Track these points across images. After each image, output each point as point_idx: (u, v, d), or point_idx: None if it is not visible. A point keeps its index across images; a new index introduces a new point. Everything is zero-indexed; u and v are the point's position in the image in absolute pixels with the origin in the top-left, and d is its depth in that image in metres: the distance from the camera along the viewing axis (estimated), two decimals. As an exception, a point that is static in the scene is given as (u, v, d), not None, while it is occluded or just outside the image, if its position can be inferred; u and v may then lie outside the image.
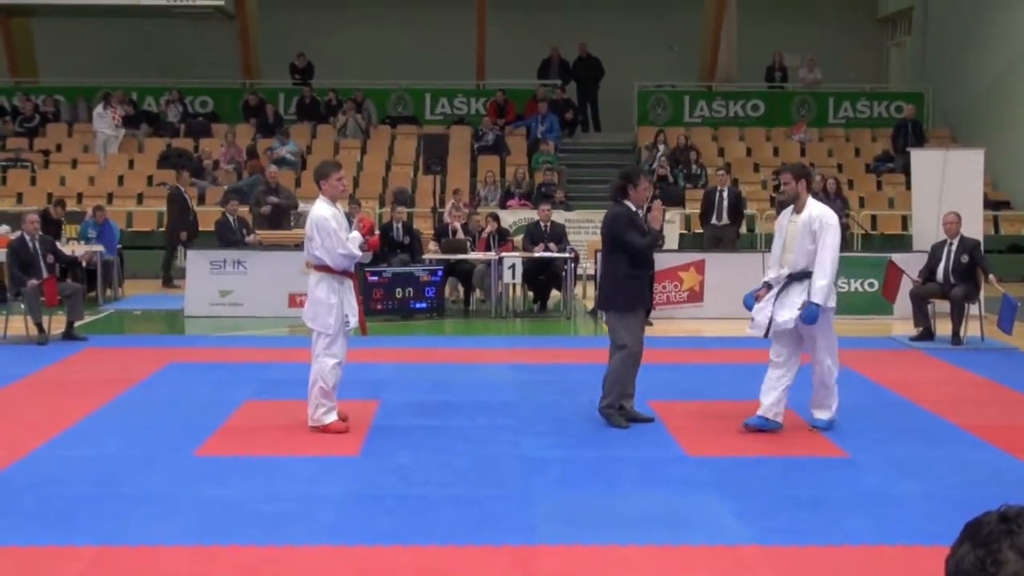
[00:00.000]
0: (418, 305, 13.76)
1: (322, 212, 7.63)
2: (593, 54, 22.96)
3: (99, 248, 15.00)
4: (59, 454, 7.17)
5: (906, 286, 12.33)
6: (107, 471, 6.77)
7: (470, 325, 13.76)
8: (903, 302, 12.55)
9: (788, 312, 7.60)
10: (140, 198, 20.04)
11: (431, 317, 13.76)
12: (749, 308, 7.97)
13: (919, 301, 12.04)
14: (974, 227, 12.84)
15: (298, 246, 12.82)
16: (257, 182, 18.05)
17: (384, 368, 10.20)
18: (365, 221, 8.21)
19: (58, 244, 13.11)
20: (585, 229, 17.24)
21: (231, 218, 15.36)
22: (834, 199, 16.88)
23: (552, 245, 14.45)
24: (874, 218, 19.53)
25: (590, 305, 14.47)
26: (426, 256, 14.52)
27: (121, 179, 20.67)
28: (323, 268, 7.69)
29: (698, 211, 16.74)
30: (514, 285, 14.34)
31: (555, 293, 14.73)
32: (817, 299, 7.49)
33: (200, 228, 16.88)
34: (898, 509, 6.09)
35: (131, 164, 21.19)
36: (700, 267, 14.04)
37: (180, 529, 5.66)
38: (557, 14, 24.29)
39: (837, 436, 7.69)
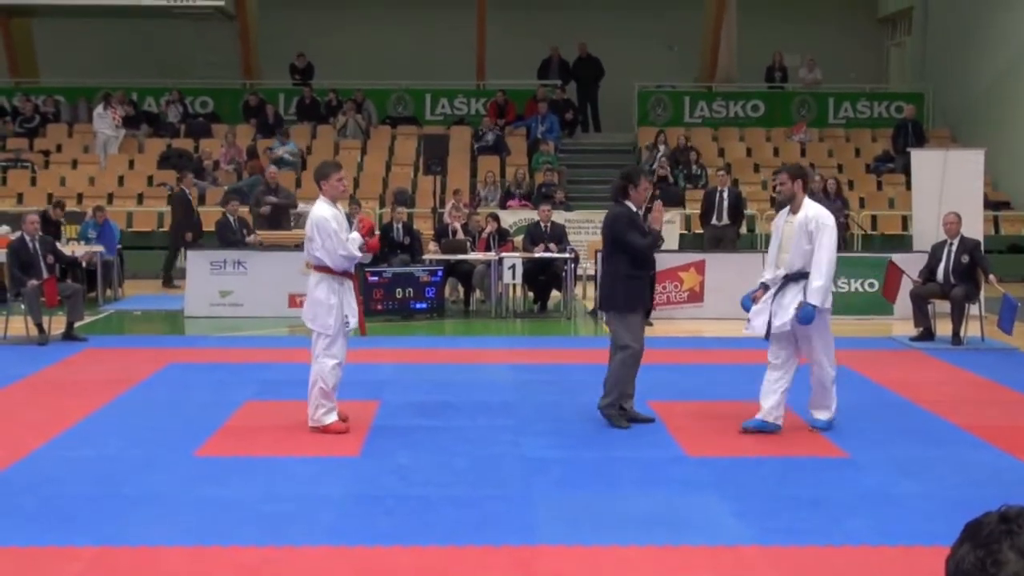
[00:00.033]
0: (418, 305, 13.76)
1: (322, 213, 7.62)
2: (593, 54, 22.96)
3: (99, 248, 15.00)
4: (59, 454, 7.17)
5: (906, 286, 12.33)
6: (107, 471, 6.77)
7: (470, 325, 13.76)
8: (903, 302, 12.55)
9: (786, 314, 7.60)
10: (140, 198, 20.04)
11: (431, 317, 13.76)
12: (747, 309, 7.98)
13: (919, 301, 12.04)
14: (974, 227, 12.84)
15: (298, 246, 12.82)
16: (257, 182, 18.06)
17: (384, 368, 10.20)
18: (365, 222, 8.21)
19: (58, 245, 13.11)
20: (585, 229, 17.24)
21: (231, 218, 15.36)
22: (834, 199, 16.91)
23: (552, 245, 14.46)
24: (874, 218, 19.53)
25: (590, 305, 14.47)
26: (426, 256, 14.52)
27: (121, 179, 20.67)
28: (323, 269, 7.69)
29: (698, 211, 16.74)
30: (514, 285, 14.35)
31: (555, 293, 14.73)
32: (814, 300, 7.49)
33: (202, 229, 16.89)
34: (898, 509, 6.09)
35: (131, 164, 21.20)
36: (700, 267, 14.04)
37: (180, 529, 5.66)
38: (557, 14, 24.29)
39: (837, 436, 7.69)
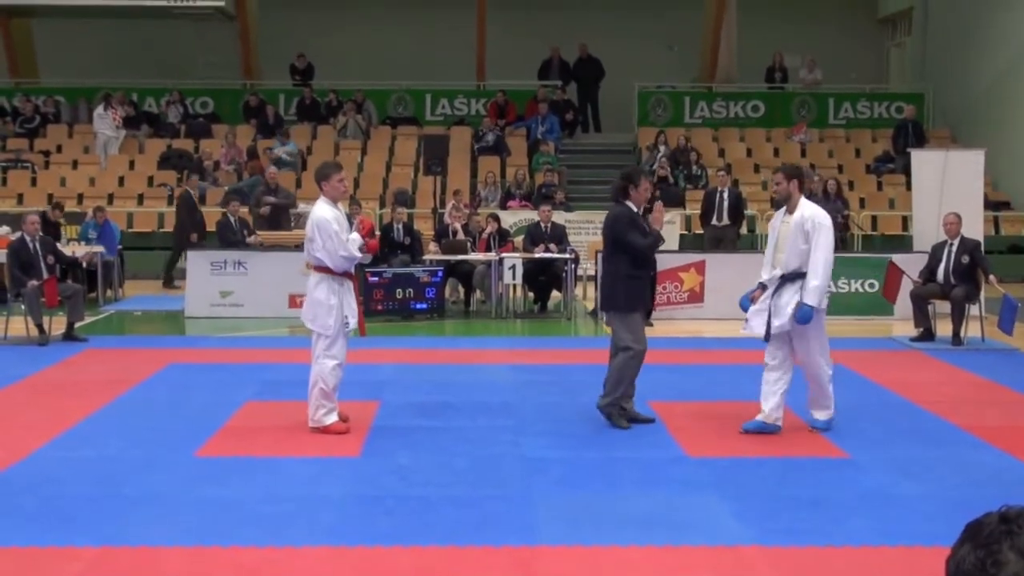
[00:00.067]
0: (418, 306, 13.76)
1: (323, 213, 7.62)
2: (593, 55, 22.96)
3: (99, 249, 15.00)
4: (59, 455, 7.17)
5: (906, 287, 12.34)
6: (107, 472, 6.77)
7: (470, 326, 13.76)
8: (903, 303, 12.55)
9: (784, 315, 7.60)
10: (140, 199, 20.05)
11: (431, 318, 13.77)
12: (745, 310, 7.99)
13: (919, 302, 12.04)
14: (974, 228, 12.84)
15: (298, 247, 12.82)
16: (257, 183, 18.06)
17: (384, 369, 10.21)
18: (365, 223, 8.22)
19: (58, 245, 13.11)
20: (585, 230, 17.25)
21: (232, 219, 15.36)
22: (834, 200, 16.92)
23: (552, 246, 14.46)
24: (874, 219, 19.53)
25: (590, 306, 14.48)
26: (426, 257, 14.52)
27: (121, 180, 20.67)
28: (323, 269, 7.69)
29: (698, 212, 16.74)
30: (514, 286, 14.35)
31: (555, 294, 14.73)
32: (811, 300, 7.49)
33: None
34: (898, 510, 6.09)
35: (131, 165, 21.20)
36: (700, 268, 14.05)
37: (180, 530, 5.66)
38: (557, 14, 24.30)
39: (837, 436, 7.69)
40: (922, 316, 12.02)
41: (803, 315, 7.51)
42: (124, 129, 21.58)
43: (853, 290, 14.07)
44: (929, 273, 12.13)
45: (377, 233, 14.94)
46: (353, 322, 7.73)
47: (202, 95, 23.53)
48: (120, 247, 15.98)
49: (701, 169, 20.06)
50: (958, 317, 11.75)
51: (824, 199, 16.58)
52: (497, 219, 15.37)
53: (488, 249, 14.64)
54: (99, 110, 21.36)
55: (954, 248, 11.97)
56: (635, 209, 7.93)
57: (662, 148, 20.30)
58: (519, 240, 15.44)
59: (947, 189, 13.54)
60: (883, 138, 22.07)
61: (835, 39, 24.65)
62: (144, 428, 7.92)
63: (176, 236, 16.81)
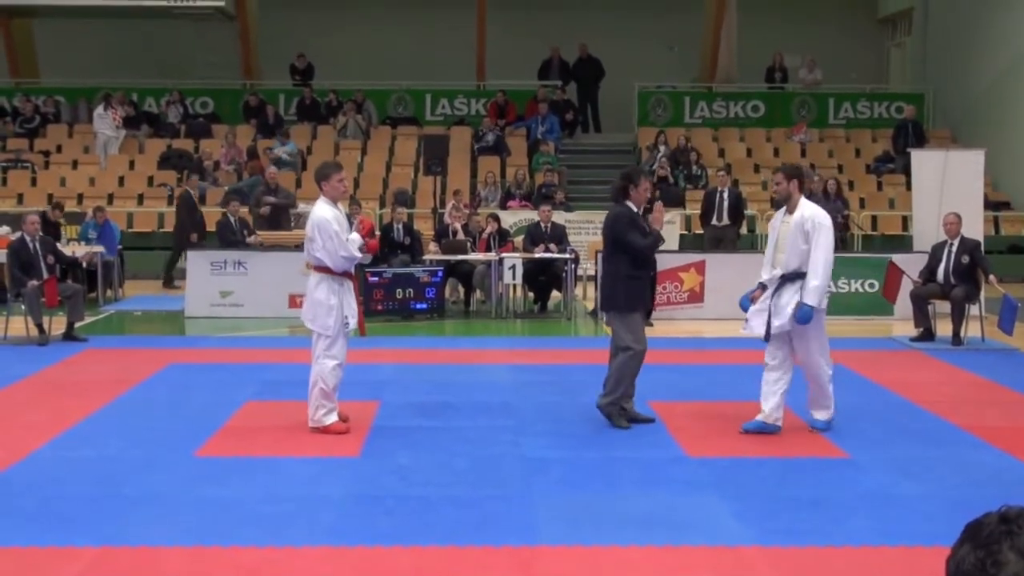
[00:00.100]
0: (418, 306, 13.77)
1: (323, 214, 7.62)
2: (593, 55, 22.96)
3: (99, 249, 15.00)
4: (59, 455, 7.18)
5: (906, 287, 12.34)
6: (107, 472, 6.77)
7: (470, 326, 13.76)
8: (903, 303, 12.55)
9: (784, 315, 7.60)
10: (140, 199, 20.05)
11: (431, 318, 13.77)
12: (745, 309, 7.99)
13: (919, 302, 12.04)
14: (974, 228, 12.84)
15: (298, 247, 12.82)
16: (257, 183, 18.06)
17: (384, 369, 10.21)
18: (365, 223, 8.22)
19: (58, 245, 13.11)
20: (585, 230, 17.25)
21: (232, 219, 15.36)
22: (834, 200, 16.92)
23: (552, 246, 14.46)
24: (874, 219, 19.53)
25: (590, 306, 14.48)
26: (426, 257, 14.53)
27: (121, 180, 20.67)
28: (323, 269, 7.68)
29: (698, 212, 16.74)
30: (514, 286, 14.35)
31: (555, 294, 14.73)
32: (811, 300, 7.49)
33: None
34: (898, 510, 6.09)
35: (131, 165, 21.20)
36: (700, 268, 14.05)
37: (180, 530, 5.66)
38: (557, 14, 24.30)
39: (837, 437, 7.69)
40: (922, 316, 12.02)
41: (803, 315, 7.51)
42: (124, 129, 21.58)
43: (853, 290, 14.07)
44: (929, 273, 12.13)
45: (377, 233, 14.95)
46: (353, 322, 7.73)
47: (202, 95, 23.53)
48: (120, 247, 15.98)
49: (701, 169, 20.06)
50: (958, 317, 11.75)
51: (824, 199, 16.58)
52: (497, 219, 15.37)
53: (488, 249, 14.64)
54: (99, 110, 21.36)
55: (954, 248, 11.97)
56: (635, 209, 7.93)
57: (662, 148, 20.30)
58: (519, 240, 15.44)
59: (947, 189, 13.54)
60: (883, 138, 22.07)
61: (835, 39, 24.65)
62: (144, 428, 7.92)
63: (176, 236, 16.80)
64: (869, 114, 23.17)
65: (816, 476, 6.81)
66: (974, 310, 11.94)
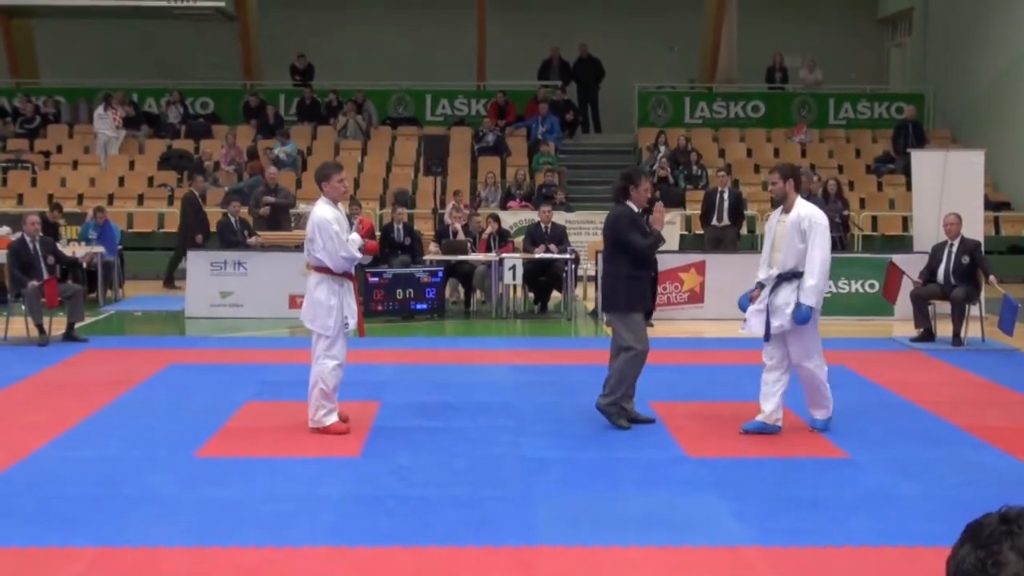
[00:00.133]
0: (419, 306, 13.77)
1: (324, 214, 7.61)
2: (593, 55, 22.97)
3: (99, 249, 15.00)
4: (60, 455, 7.17)
5: (907, 287, 12.34)
6: (107, 472, 6.77)
7: (471, 326, 13.76)
8: (904, 303, 12.55)
9: (783, 315, 7.60)
10: (141, 199, 20.05)
11: (432, 318, 13.77)
12: (743, 309, 7.99)
13: (920, 302, 12.04)
14: (975, 228, 12.84)
15: (298, 247, 12.81)
16: (257, 183, 18.05)
17: (385, 369, 10.21)
18: (365, 223, 8.22)
19: (58, 245, 13.11)
20: (586, 230, 17.25)
21: (233, 219, 15.35)
22: (834, 200, 16.92)
23: (553, 246, 14.45)
24: (875, 219, 19.54)
25: (590, 306, 14.48)
26: (427, 257, 14.53)
27: (122, 180, 20.67)
28: (323, 269, 7.68)
29: (699, 212, 16.73)
30: (515, 286, 14.35)
31: (556, 294, 14.74)
32: (809, 301, 7.48)
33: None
34: (899, 510, 6.09)
35: (132, 165, 21.21)
36: (701, 268, 14.05)
37: (180, 530, 5.66)
38: (557, 15, 24.30)
39: (837, 437, 7.69)
40: (922, 316, 12.02)
41: (802, 315, 7.51)
42: (124, 129, 21.59)
43: (853, 290, 14.07)
44: (929, 273, 12.13)
45: (377, 234, 14.95)
46: (353, 323, 7.73)
47: (202, 95, 23.53)
48: (120, 247, 15.97)
49: (701, 169, 20.06)
50: (958, 317, 11.75)
51: (824, 199, 16.59)
52: (497, 219, 15.37)
53: (488, 249, 14.65)
54: (99, 110, 21.37)
55: (954, 248, 11.97)
56: (636, 209, 7.93)
57: (662, 148, 20.30)
58: (519, 240, 15.44)
59: (947, 189, 13.54)
60: (883, 138, 22.07)
61: (835, 39, 24.66)
62: (144, 428, 7.92)
63: (181, 236, 16.73)
64: (869, 114, 23.17)
65: (816, 476, 6.81)
66: (974, 310, 11.94)
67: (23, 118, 22.34)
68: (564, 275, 14.21)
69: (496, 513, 5.98)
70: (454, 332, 13.37)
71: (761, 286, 7.85)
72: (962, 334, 11.77)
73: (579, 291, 15.29)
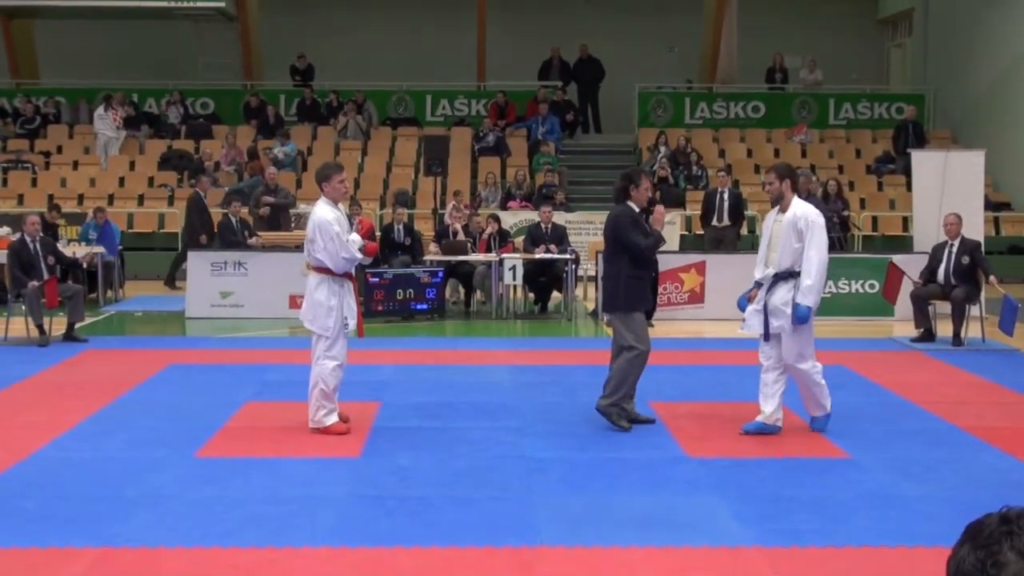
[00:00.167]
0: (419, 306, 13.77)
1: (324, 215, 7.61)
2: (594, 55, 22.97)
3: (100, 249, 15.00)
4: (60, 455, 7.18)
5: (907, 287, 12.34)
6: (108, 472, 6.77)
7: (471, 326, 13.76)
8: (904, 303, 12.55)
9: (781, 314, 7.60)
10: (141, 199, 20.05)
11: (432, 318, 13.77)
12: (742, 309, 8.00)
13: (920, 302, 12.04)
14: (975, 228, 12.84)
15: (298, 247, 12.81)
16: (258, 183, 18.05)
17: (385, 369, 10.21)
18: (365, 223, 8.22)
19: (58, 246, 13.11)
20: (586, 230, 17.25)
21: (233, 219, 15.34)
22: (835, 200, 16.93)
23: (553, 247, 14.45)
24: (875, 219, 19.54)
25: (591, 307, 14.48)
26: (427, 257, 14.53)
27: (122, 180, 20.68)
28: (323, 270, 7.68)
29: (699, 212, 16.73)
30: (515, 287, 14.35)
31: (556, 295, 14.74)
32: (807, 301, 7.48)
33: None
34: (899, 510, 6.09)
35: (132, 166, 21.21)
36: (701, 268, 14.05)
37: (181, 530, 5.66)
38: (558, 15, 24.31)
39: (838, 437, 7.69)
40: (922, 317, 12.02)
41: (800, 316, 7.51)
42: (124, 130, 21.59)
43: (853, 291, 14.07)
44: (929, 274, 12.13)
45: (377, 234, 14.95)
46: (352, 323, 7.73)
47: (202, 96, 23.53)
48: (120, 248, 15.97)
49: (701, 170, 20.06)
50: (958, 318, 11.75)
51: (824, 199, 16.59)
52: (497, 220, 15.37)
53: (488, 250, 14.64)
54: (100, 111, 21.37)
55: (954, 249, 11.97)
56: (636, 209, 7.93)
57: (662, 149, 20.30)
58: (519, 241, 15.44)
59: (947, 190, 13.54)
60: (883, 139, 22.08)
61: (835, 40, 24.66)
62: (144, 429, 7.92)
63: (187, 237, 16.64)
64: (869, 115, 23.17)
65: (816, 477, 6.81)
66: (974, 311, 11.94)
67: (23, 118, 22.34)
68: (564, 275, 14.21)
69: (496, 513, 5.99)
70: (454, 332, 13.37)
71: (759, 285, 7.85)
72: (962, 334, 11.77)
73: (579, 291, 15.29)
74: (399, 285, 13.66)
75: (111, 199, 19.66)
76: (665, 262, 13.60)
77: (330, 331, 7.63)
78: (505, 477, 6.74)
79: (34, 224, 12.12)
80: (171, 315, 14.23)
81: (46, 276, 11.83)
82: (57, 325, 11.92)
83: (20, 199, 19.72)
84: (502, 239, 14.94)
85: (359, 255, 7.79)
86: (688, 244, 17.79)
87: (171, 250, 18.23)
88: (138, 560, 5.30)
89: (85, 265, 14.28)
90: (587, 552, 5.39)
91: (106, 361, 10.80)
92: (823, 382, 7.75)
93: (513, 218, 17.59)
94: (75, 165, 21.26)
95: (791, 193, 7.72)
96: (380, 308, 13.48)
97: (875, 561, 5.33)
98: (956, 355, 11.27)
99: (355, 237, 7.79)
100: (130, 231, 18.48)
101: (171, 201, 19.65)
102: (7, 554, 5.35)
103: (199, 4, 21.85)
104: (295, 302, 12.83)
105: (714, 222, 16.06)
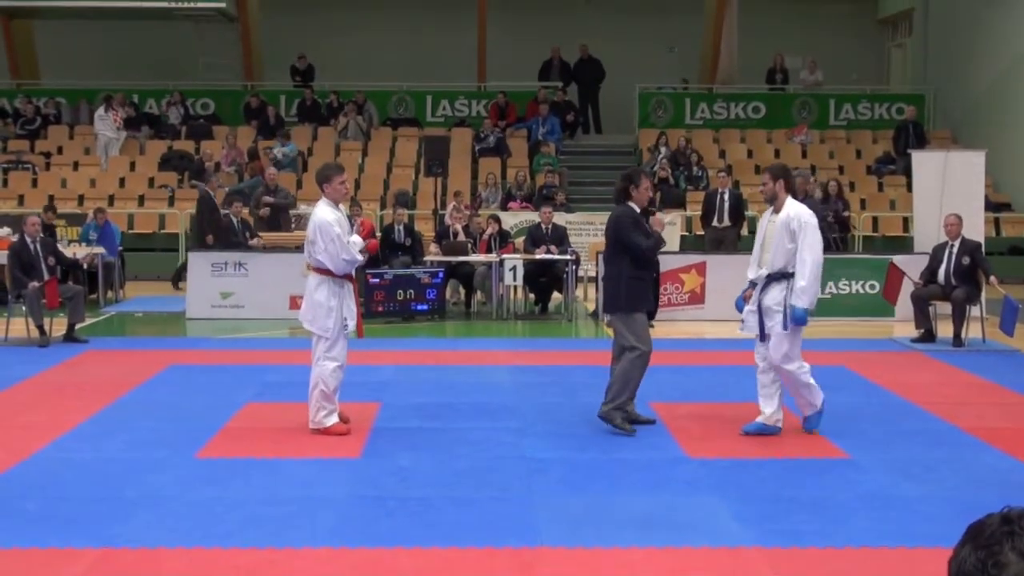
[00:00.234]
0: (419, 307, 13.76)
1: (325, 216, 7.61)
2: (594, 56, 22.97)
3: (100, 250, 14.99)
4: (60, 456, 7.18)
5: (907, 288, 12.34)
6: (108, 473, 6.77)
7: (471, 327, 13.76)
8: (904, 304, 12.55)
9: (776, 315, 7.59)
10: (141, 200, 20.05)
11: (432, 319, 13.76)
12: (740, 311, 8.00)
13: (920, 303, 12.04)
14: (975, 229, 12.83)
15: (299, 248, 12.81)
16: (258, 184, 18.04)
17: (385, 370, 10.21)
18: (365, 224, 8.21)
19: (59, 246, 13.11)
20: (586, 231, 17.25)
21: (234, 220, 15.33)
22: (835, 201, 16.92)
23: (553, 247, 14.45)
24: (875, 220, 19.53)
25: (591, 307, 14.47)
26: (427, 258, 14.52)
27: (122, 181, 20.68)
28: (323, 271, 7.68)
29: (699, 213, 16.72)
30: (515, 287, 14.35)
31: (556, 295, 14.73)
32: (802, 303, 7.47)
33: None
34: (899, 511, 6.09)
35: (132, 166, 21.21)
36: (701, 269, 14.05)
37: (181, 531, 5.66)
38: (558, 16, 24.31)
39: (838, 438, 7.69)
40: (923, 317, 12.01)
41: (797, 317, 7.50)
42: (125, 130, 21.59)
43: (854, 291, 14.06)
44: (930, 274, 12.13)
45: (377, 235, 14.96)
46: (352, 324, 7.73)
47: (203, 96, 23.53)
48: (120, 248, 15.96)
49: (702, 170, 20.06)
50: (959, 318, 11.75)
51: (824, 200, 16.59)
52: (498, 220, 15.37)
53: (489, 250, 14.64)
54: (100, 111, 21.37)
55: (955, 249, 11.97)
56: (637, 210, 7.92)
57: (663, 149, 20.30)
58: (520, 241, 15.44)
59: (948, 190, 13.54)
60: (884, 139, 22.07)
61: (836, 40, 24.66)
62: (145, 429, 7.92)
63: (196, 236, 16.53)
64: (870, 115, 23.17)
65: (817, 477, 6.81)
66: (975, 311, 11.94)
67: (24, 119, 22.34)
68: (565, 276, 14.21)
69: (497, 514, 5.99)
70: (455, 333, 13.37)
71: (753, 285, 7.86)
72: (963, 335, 11.77)
73: (580, 292, 15.29)
74: (399, 286, 13.66)
75: (111, 200, 19.66)
76: (665, 263, 13.60)
77: (330, 332, 7.63)
78: (505, 478, 6.74)
79: (34, 225, 12.12)
80: (171, 316, 14.23)
81: (46, 277, 11.83)
82: (57, 326, 11.92)
83: (20, 200, 19.72)
84: (502, 240, 14.94)
85: (360, 257, 7.79)
86: (688, 245, 17.78)
87: (171, 251, 18.24)
88: (138, 561, 5.30)
89: (85, 266, 14.28)
90: (587, 553, 5.39)
91: (106, 362, 10.80)
92: (812, 382, 7.72)
93: (513, 219, 17.59)
94: (75, 166, 21.26)
95: (784, 193, 7.72)
96: (380, 309, 13.48)
97: (875, 562, 5.33)
98: (956, 356, 11.27)
99: (356, 239, 7.79)
100: (130, 232, 18.47)
101: (171, 202, 19.65)
102: (8, 554, 5.35)
103: (199, 4, 21.85)
104: (295, 303, 12.81)
105: (714, 223, 16.04)
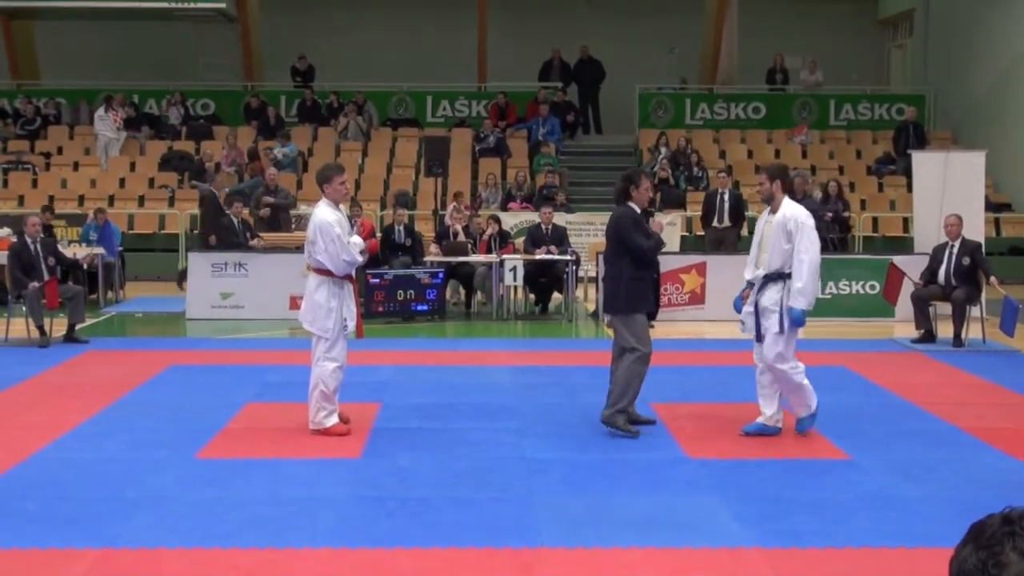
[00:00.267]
0: (419, 307, 13.76)
1: (325, 216, 7.60)
2: (594, 56, 22.97)
3: (100, 250, 14.99)
4: (60, 457, 7.18)
5: (907, 288, 12.34)
6: (108, 473, 6.77)
7: (471, 327, 13.76)
8: (904, 304, 12.55)
9: (772, 316, 7.59)
10: (141, 200, 20.05)
11: (432, 319, 13.76)
12: (738, 311, 8.00)
13: (920, 303, 12.04)
14: (975, 229, 12.83)
15: (299, 249, 12.81)
16: (258, 184, 18.04)
17: (385, 370, 10.21)
18: (365, 224, 8.21)
19: (59, 246, 13.11)
20: (586, 231, 17.25)
21: (235, 220, 15.32)
22: (835, 201, 16.92)
23: (553, 248, 14.45)
24: (875, 220, 19.53)
25: (591, 307, 14.47)
26: (427, 258, 14.52)
27: (122, 181, 20.68)
28: (324, 272, 7.68)
29: (699, 214, 16.72)
30: (515, 287, 14.35)
31: (556, 296, 14.73)
32: (799, 304, 7.46)
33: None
34: (900, 511, 6.08)
35: (132, 166, 21.21)
36: (701, 269, 14.05)
37: (181, 531, 5.66)
38: (558, 16, 24.31)
39: (838, 438, 7.69)
40: (923, 318, 12.01)
41: (795, 319, 7.50)
42: (125, 131, 21.59)
43: (854, 292, 14.06)
44: (930, 275, 12.13)
45: (378, 235, 14.96)
46: (351, 325, 7.73)
47: (203, 97, 23.53)
48: (121, 249, 15.96)
49: (702, 171, 20.06)
50: (959, 319, 11.75)
51: (824, 200, 16.59)
52: (498, 221, 15.37)
53: (489, 251, 14.64)
54: (100, 112, 21.37)
55: (955, 250, 11.97)
56: (638, 210, 7.92)
57: (663, 150, 20.30)
58: (520, 242, 15.44)
59: (948, 191, 13.54)
60: (884, 139, 22.07)
61: (836, 41, 24.65)
62: (145, 430, 7.92)
63: (201, 236, 16.49)
64: (870, 115, 23.17)
65: (817, 478, 6.80)
66: (975, 312, 11.94)
67: (24, 119, 22.34)
68: (565, 276, 14.21)
69: (497, 514, 5.98)
70: (455, 333, 13.37)
71: (751, 285, 7.86)
72: (963, 335, 11.77)
73: (580, 292, 15.28)
74: (399, 286, 13.66)
75: (111, 200, 19.66)
76: (666, 263, 13.60)
77: (329, 332, 7.63)
78: (505, 478, 6.74)
79: (35, 225, 12.12)
80: (171, 316, 14.23)
81: (46, 277, 11.83)
82: (58, 326, 11.92)
83: (20, 200, 19.71)
84: (502, 240, 14.94)
85: (360, 258, 7.79)
86: (689, 245, 17.78)
87: (171, 251, 18.23)
88: (138, 561, 5.30)
89: (85, 266, 14.28)
90: (588, 553, 5.39)
91: (107, 362, 10.80)
92: (806, 382, 7.69)
93: (513, 219, 17.59)
94: (75, 166, 21.26)
95: (781, 194, 7.71)
96: (380, 309, 13.48)
97: (875, 562, 5.32)
98: (957, 356, 11.27)
99: (356, 240, 7.79)
100: (130, 232, 18.47)
101: (171, 202, 19.66)
102: (7, 555, 5.35)
103: (199, 5, 21.85)
104: (295, 303, 12.81)
105: (715, 223, 16.04)
